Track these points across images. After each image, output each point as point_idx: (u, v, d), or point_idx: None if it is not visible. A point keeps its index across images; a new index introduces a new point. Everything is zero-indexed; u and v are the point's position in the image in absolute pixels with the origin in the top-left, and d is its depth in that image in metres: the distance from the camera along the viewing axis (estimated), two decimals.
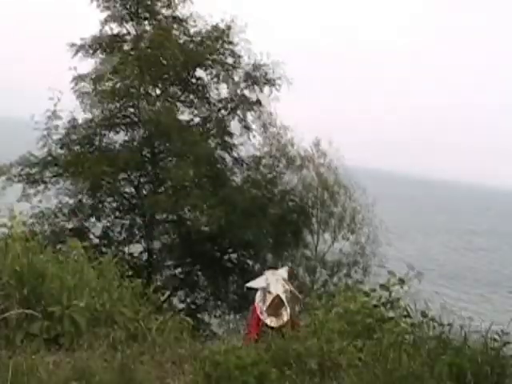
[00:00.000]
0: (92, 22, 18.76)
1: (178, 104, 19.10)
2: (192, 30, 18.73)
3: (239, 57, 18.58)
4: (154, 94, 18.68)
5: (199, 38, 18.49)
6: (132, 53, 17.97)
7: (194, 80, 19.01)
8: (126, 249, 18.69)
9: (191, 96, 19.23)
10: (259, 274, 19.47)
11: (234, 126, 19.23)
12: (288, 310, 6.31)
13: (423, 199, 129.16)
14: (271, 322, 6.26)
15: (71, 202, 17.72)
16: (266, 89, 18.81)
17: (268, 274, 6.70)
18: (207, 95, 19.12)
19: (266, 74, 18.53)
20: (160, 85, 18.82)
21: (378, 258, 27.75)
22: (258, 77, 18.49)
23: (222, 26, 18.43)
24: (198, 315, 18.71)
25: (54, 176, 17.85)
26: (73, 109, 17.86)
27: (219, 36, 18.33)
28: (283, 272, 6.71)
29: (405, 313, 5.22)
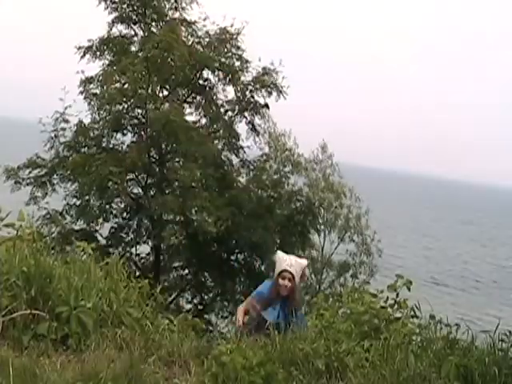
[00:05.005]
0: (100, 23, 18.84)
1: (185, 105, 19.14)
2: (200, 33, 18.76)
3: (247, 61, 18.58)
4: (161, 94, 18.71)
5: (207, 40, 18.51)
6: (140, 54, 18.01)
7: (201, 81, 19.03)
8: (134, 249, 18.75)
9: (198, 97, 19.26)
10: (266, 274, 19.69)
11: (241, 128, 19.28)
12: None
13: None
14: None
15: (78, 203, 17.77)
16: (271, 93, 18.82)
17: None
18: (214, 97, 19.13)
19: (276, 79, 18.51)
20: (167, 86, 18.85)
21: (383, 258, 27.94)
22: (267, 81, 18.47)
23: (230, 29, 18.44)
24: (206, 316, 18.74)
25: (62, 178, 17.92)
26: (80, 111, 17.98)
27: (227, 39, 18.33)
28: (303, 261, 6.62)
29: (412, 313, 5.20)
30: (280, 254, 6.53)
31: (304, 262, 6.58)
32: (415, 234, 74.02)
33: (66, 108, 17.70)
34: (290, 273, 6.25)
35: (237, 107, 18.87)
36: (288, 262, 6.35)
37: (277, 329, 5.95)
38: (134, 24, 18.81)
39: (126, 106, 17.98)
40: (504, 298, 45.39)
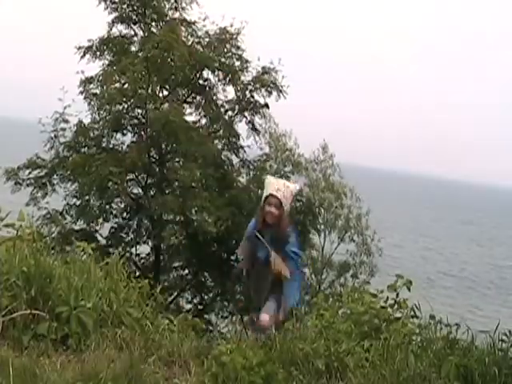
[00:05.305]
0: (100, 23, 18.85)
1: (185, 105, 19.14)
2: (200, 33, 18.76)
3: (247, 61, 18.58)
4: (161, 94, 18.72)
5: (207, 40, 18.52)
6: (140, 54, 18.01)
7: (201, 81, 19.03)
8: (134, 249, 18.74)
9: (198, 97, 19.26)
10: None
11: (241, 127, 19.28)
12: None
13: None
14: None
15: (78, 203, 17.77)
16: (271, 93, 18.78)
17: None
18: (214, 97, 19.13)
19: (276, 79, 18.50)
20: (167, 86, 18.85)
21: (382, 258, 27.96)
22: (267, 80, 18.45)
23: (230, 29, 18.45)
24: (206, 316, 18.74)
25: (62, 178, 17.92)
26: (80, 111, 17.99)
27: (227, 39, 18.33)
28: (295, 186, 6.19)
29: (412, 313, 5.20)
30: (269, 178, 6.14)
31: (294, 186, 6.12)
32: (415, 234, 74.04)
33: (65, 108, 17.72)
34: (277, 198, 5.77)
35: (237, 107, 18.87)
36: (275, 186, 5.83)
37: (269, 264, 5.77)
38: (134, 24, 18.81)
39: (126, 105, 17.97)
40: (501, 299, 45.40)
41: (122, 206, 18.62)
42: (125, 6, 18.46)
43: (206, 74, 18.89)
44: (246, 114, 18.96)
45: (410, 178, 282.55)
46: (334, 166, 27.61)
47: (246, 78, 18.69)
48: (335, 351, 4.69)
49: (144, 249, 19.13)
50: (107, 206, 17.99)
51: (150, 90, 17.80)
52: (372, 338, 4.91)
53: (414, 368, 4.41)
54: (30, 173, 17.99)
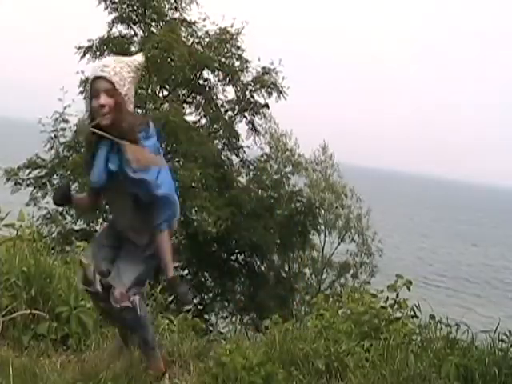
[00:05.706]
0: (100, 23, 18.88)
1: (185, 105, 19.16)
2: (200, 33, 18.79)
3: (247, 61, 18.62)
4: (161, 94, 18.74)
5: (207, 40, 18.54)
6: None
7: (201, 81, 19.06)
8: None
9: (198, 97, 19.28)
10: (267, 274, 19.59)
11: (241, 128, 19.31)
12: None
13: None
14: None
15: None
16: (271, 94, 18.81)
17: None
18: (214, 97, 19.16)
19: (276, 79, 18.53)
20: (167, 86, 18.87)
21: (382, 258, 27.96)
22: (267, 81, 18.49)
23: (230, 29, 18.48)
24: (205, 316, 18.75)
25: (62, 178, 17.93)
26: (80, 111, 18.00)
27: (227, 39, 18.36)
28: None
29: (412, 313, 5.21)
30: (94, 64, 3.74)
31: (132, 58, 3.81)
32: (415, 235, 73.98)
33: (65, 108, 17.74)
34: (106, 79, 3.51)
35: (237, 107, 18.90)
36: (100, 64, 3.59)
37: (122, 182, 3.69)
38: (134, 24, 18.83)
39: None
40: (500, 299, 45.33)
41: None
42: (125, 6, 18.49)
43: (206, 73, 18.92)
44: (246, 114, 19.00)
45: (410, 178, 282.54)
46: (334, 166, 27.63)
47: (246, 78, 18.73)
48: (335, 351, 4.69)
49: None
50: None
51: (150, 90, 17.81)
52: (372, 338, 4.91)
53: (414, 368, 4.41)
54: (29, 173, 17.99)
